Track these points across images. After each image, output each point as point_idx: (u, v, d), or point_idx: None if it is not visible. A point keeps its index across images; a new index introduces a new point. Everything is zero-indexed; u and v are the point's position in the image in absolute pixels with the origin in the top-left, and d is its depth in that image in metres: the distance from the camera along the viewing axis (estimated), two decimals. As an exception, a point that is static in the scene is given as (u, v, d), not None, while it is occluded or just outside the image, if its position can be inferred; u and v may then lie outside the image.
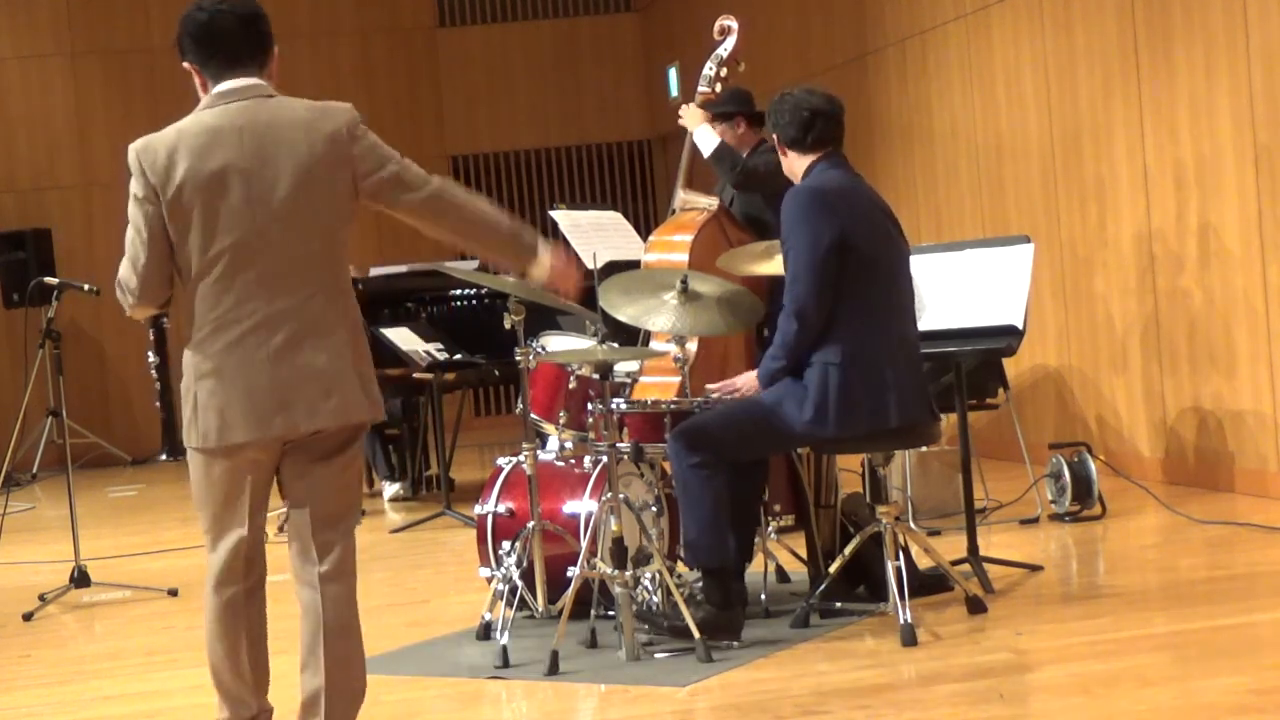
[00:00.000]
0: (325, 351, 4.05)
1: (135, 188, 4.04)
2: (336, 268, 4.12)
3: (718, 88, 7.17)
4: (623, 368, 6.61)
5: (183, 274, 4.06)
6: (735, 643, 5.60)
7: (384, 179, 4.09)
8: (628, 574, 5.51)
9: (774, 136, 5.89)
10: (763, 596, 6.08)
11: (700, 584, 5.72)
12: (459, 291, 10.12)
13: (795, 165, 5.86)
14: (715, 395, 5.87)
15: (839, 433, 5.63)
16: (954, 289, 6.95)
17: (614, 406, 5.84)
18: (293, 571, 4.17)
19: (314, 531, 4.12)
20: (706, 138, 7.12)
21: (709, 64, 7.16)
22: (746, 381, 5.83)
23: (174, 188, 3.98)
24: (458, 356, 9.52)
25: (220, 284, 4.01)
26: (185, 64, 4.13)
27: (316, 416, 4.04)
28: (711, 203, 7.11)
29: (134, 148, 4.05)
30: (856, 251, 5.62)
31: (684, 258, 6.78)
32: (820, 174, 5.79)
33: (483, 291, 9.99)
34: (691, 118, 7.19)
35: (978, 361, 7.06)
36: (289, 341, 4.02)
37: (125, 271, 4.09)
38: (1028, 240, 7.13)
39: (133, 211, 4.05)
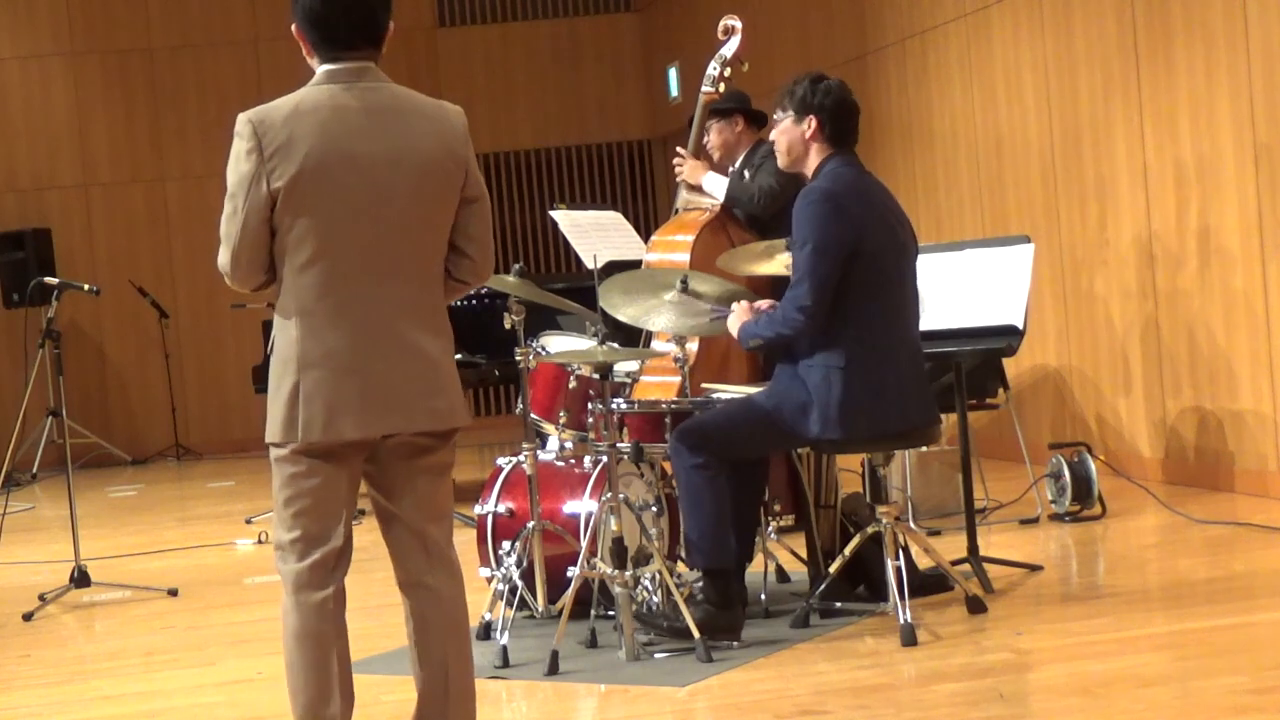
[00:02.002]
0: (436, 347, 3.91)
1: (244, 163, 3.76)
2: (442, 264, 3.95)
3: (721, 88, 7.16)
4: (623, 367, 6.61)
5: (290, 255, 3.80)
6: (735, 643, 5.60)
7: (478, 194, 3.98)
8: (628, 574, 5.51)
9: (809, 119, 5.73)
10: (763, 596, 6.08)
11: (700, 584, 5.72)
12: (459, 291, 10.09)
13: (814, 153, 5.77)
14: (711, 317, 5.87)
15: (840, 436, 5.63)
16: (954, 289, 6.95)
17: (614, 406, 5.84)
18: (402, 575, 3.99)
19: (424, 528, 3.96)
20: (715, 184, 7.10)
21: (712, 64, 7.16)
22: (739, 312, 5.80)
23: (295, 166, 3.75)
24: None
25: (338, 268, 3.79)
26: (293, 28, 3.91)
27: (429, 416, 3.87)
28: (714, 202, 7.12)
29: (249, 118, 3.79)
30: (866, 256, 5.60)
31: (685, 258, 6.78)
32: (833, 171, 5.72)
33: (483, 291, 9.98)
34: (692, 171, 7.18)
35: (978, 361, 7.06)
36: (406, 333, 3.84)
37: (222, 255, 3.83)
38: (1028, 240, 7.13)
39: (235, 186, 3.78)
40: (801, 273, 5.61)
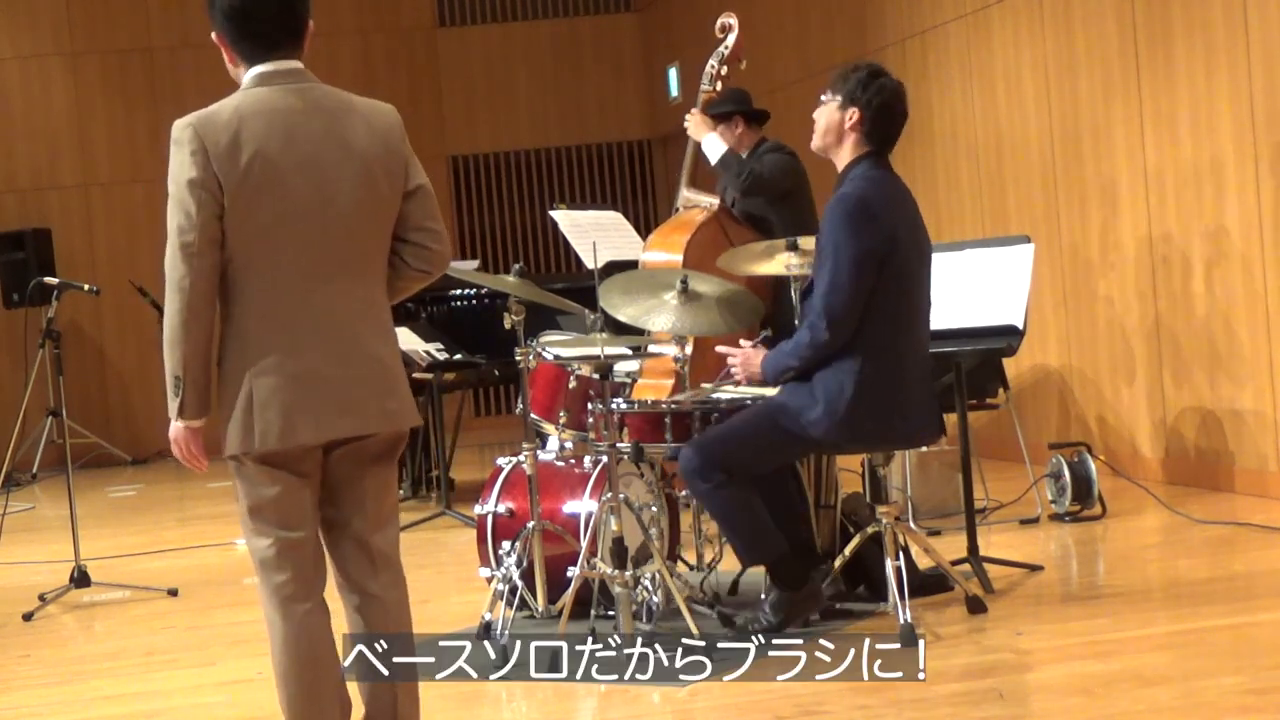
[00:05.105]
0: (386, 348, 3.90)
1: (189, 169, 3.72)
2: (385, 264, 3.91)
3: (719, 86, 7.17)
4: (623, 367, 6.61)
5: (236, 260, 3.76)
6: (817, 616, 5.69)
7: (421, 182, 3.91)
8: (628, 574, 5.51)
9: (852, 110, 5.58)
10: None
11: (768, 581, 5.75)
12: (459, 291, 10.10)
13: (849, 146, 5.64)
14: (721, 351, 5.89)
15: (845, 439, 5.61)
16: (954, 289, 6.95)
17: (614, 406, 5.84)
18: (344, 581, 3.96)
19: (370, 537, 3.93)
20: (713, 145, 7.10)
21: (710, 62, 7.17)
22: (745, 360, 5.79)
23: (240, 170, 3.70)
24: (458, 356, 9.52)
25: (287, 273, 3.76)
26: (214, 35, 3.87)
27: (383, 418, 3.86)
28: (712, 201, 7.12)
29: (190, 124, 3.74)
30: (892, 266, 5.54)
31: (679, 257, 6.79)
32: (865, 175, 5.61)
33: (483, 291, 9.98)
34: (696, 126, 7.18)
35: (978, 361, 7.05)
36: (357, 336, 3.82)
37: (177, 267, 3.80)
38: (1028, 240, 7.13)
39: (182, 196, 3.74)
40: (829, 285, 5.51)
